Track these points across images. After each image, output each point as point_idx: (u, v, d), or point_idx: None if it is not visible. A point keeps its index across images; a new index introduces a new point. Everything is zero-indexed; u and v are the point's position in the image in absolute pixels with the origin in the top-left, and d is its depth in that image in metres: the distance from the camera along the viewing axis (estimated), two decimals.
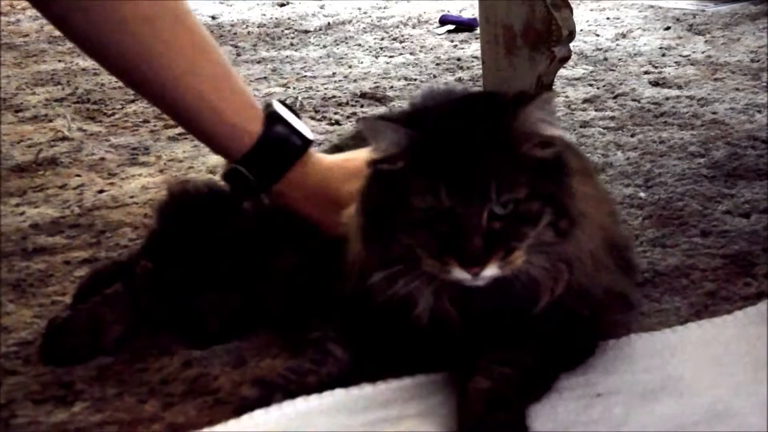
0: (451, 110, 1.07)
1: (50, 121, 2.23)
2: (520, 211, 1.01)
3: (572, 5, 1.93)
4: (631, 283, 1.23)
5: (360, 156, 1.20)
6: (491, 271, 1.00)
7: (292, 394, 1.08)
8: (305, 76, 2.59)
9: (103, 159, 1.99)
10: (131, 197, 1.79)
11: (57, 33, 3.04)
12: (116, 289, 1.31)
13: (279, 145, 1.27)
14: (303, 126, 1.30)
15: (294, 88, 2.47)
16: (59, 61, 2.75)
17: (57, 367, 1.23)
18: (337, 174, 1.28)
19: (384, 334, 1.12)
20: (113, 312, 1.28)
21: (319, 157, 1.32)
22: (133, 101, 2.38)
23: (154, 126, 2.20)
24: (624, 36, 2.89)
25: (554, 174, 1.03)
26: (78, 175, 1.91)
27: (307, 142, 1.29)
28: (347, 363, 1.14)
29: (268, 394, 1.08)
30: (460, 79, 2.53)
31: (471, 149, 1.01)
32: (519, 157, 1.02)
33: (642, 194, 1.70)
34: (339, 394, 1.09)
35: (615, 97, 2.29)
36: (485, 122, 1.03)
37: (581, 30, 2.88)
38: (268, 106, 1.30)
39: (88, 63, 2.72)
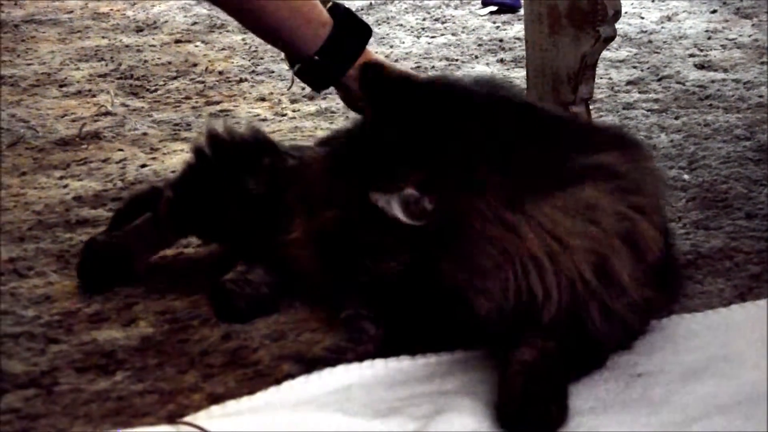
0: None
1: (94, 96, 2.25)
2: None
3: None
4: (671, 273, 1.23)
5: None
6: None
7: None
8: None
9: (145, 134, 2.01)
10: (173, 172, 1.80)
11: (101, 9, 3.07)
12: (146, 218, 1.43)
13: (354, 26, 1.39)
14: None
15: None
16: (103, 37, 2.77)
17: (89, 290, 1.36)
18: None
19: (421, 312, 1.12)
20: (141, 242, 1.41)
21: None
22: (175, 78, 2.39)
23: (196, 102, 2.21)
24: (669, 19, 2.85)
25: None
26: (121, 150, 1.92)
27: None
28: (381, 339, 1.14)
29: (310, 370, 1.08)
30: (502, 60, 2.51)
31: None
32: None
33: (686, 176, 1.68)
34: (378, 366, 1.09)
35: (659, 80, 2.26)
36: None
37: (626, 12, 2.84)
38: (326, 2, 1.42)
39: (131, 40, 2.74)
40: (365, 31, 1.39)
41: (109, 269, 1.39)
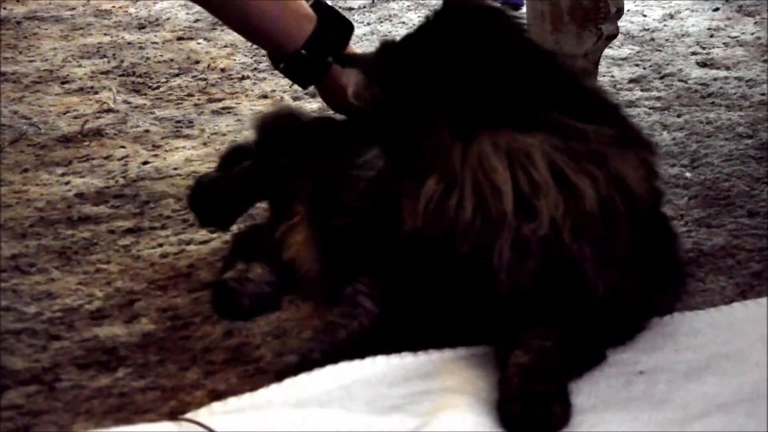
0: None
1: (96, 93, 2.25)
2: None
3: None
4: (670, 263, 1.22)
5: None
6: None
7: (327, 353, 1.10)
8: None
9: (147, 131, 2.01)
10: (175, 169, 1.80)
11: (103, 6, 3.07)
12: (246, 167, 1.51)
13: (337, 21, 1.41)
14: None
15: None
16: (105, 34, 2.77)
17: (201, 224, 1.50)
18: None
19: (429, 306, 1.12)
20: (242, 185, 1.49)
21: None
22: (177, 75, 2.39)
23: (198, 100, 2.21)
24: (672, 16, 2.85)
25: None
26: (123, 147, 1.92)
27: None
28: (377, 315, 1.14)
29: (311, 366, 1.08)
30: None
31: None
32: None
33: (688, 174, 1.68)
34: (380, 363, 1.09)
35: (661, 78, 2.26)
36: None
37: (628, 10, 2.84)
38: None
39: (133, 37, 2.74)
40: (348, 27, 1.40)
41: (215, 204, 1.48)
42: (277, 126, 1.52)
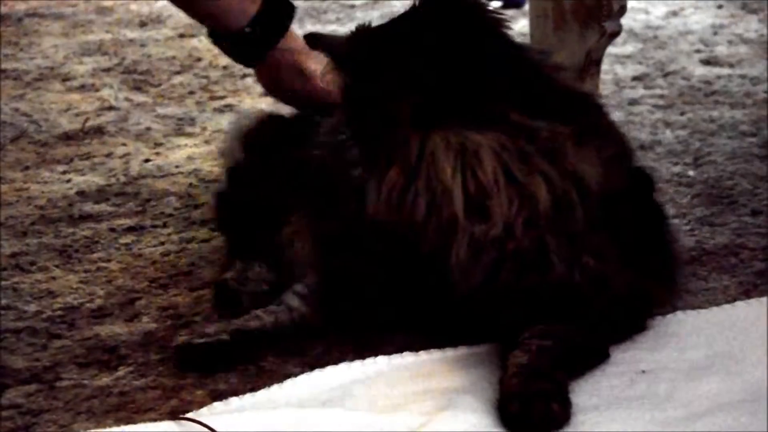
0: None
1: (97, 90, 2.25)
2: None
3: None
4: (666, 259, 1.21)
5: None
6: None
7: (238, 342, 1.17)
8: None
9: (149, 129, 2.00)
10: (176, 167, 1.80)
11: (104, 3, 3.06)
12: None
13: (281, 2, 1.44)
14: None
15: None
16: (107, 31, 2.76)
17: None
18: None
19: (427, 301, 1.12)
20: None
21: None
22: (179, 72, 2.39)
23: (200, 97, 2.21)
24: (675, 14, 2.84)
25: None
26: (124, 144, 1.92)
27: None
28: (303, 314, 1.19)
29: (312, 367, 1.09)
30: None
31: None
32: None
33: (691, 172, 1.68)
34: (381, 363, 1.09)
35: (665, 76, 2.26)
36: None
37: (631, 8, 2.82)
38: None
39: (135, 34, 2.74)
40: (291, 8, 1.45)
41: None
42: (261, 136, 1.51)
